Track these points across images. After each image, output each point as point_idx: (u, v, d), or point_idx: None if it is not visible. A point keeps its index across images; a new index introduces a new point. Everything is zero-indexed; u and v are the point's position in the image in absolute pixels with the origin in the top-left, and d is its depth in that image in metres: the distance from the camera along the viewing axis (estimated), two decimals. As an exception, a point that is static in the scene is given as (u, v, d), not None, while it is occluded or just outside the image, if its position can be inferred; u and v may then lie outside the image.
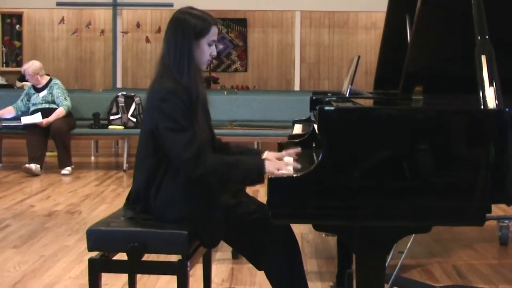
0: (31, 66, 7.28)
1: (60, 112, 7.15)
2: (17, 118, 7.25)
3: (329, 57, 13.40)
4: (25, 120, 7.08)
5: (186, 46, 2.41)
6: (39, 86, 7.32)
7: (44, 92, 7.29)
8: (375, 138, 2.07)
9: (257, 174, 2.31)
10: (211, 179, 2.38)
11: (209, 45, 2.46)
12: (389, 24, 3.67)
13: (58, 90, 7.29)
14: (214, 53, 2.49)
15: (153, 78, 2.48)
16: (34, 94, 7.30)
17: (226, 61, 13.47)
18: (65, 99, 7.26)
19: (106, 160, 8.81)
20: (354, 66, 3.63)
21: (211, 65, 11.59)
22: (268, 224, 2.27)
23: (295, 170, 2.26)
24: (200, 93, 2.45)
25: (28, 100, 7.33)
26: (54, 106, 7.22)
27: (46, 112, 7.13)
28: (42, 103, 7.22)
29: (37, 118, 7.05)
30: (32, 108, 7.24)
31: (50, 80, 7.41)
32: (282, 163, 2.37)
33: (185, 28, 2.41)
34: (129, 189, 2.59)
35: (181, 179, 2.39)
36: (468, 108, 2.17)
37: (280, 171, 2.26)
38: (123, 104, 7.69)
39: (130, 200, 2.53)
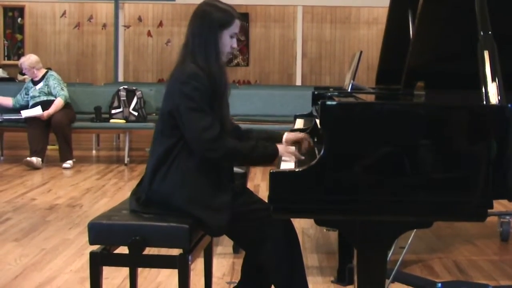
0: (27, 59, 7.31)
1: (58, 102, 7.16)
2: (17, 111, 7.26)
3: (331, 52, 13.37)
4: (26, 113, 7.09)
5: (213, 36, 2.48)
6: (36, 79, 7.35)
7: (41, 84, 7.30)
8: (377, 133, 2.07)
9: (270, 160, 2.51)
10: (227, 163, 2.52)
11: (231, 37, 2.53)
12: (391, 19, 3.66)
13: (54, 81, 7.30)
14: (235, 45, 2.57)
15: (174, 65, 2.54)
16: (32, 87, 7.33)
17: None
18: (62, 89, 7.27)
19: (108, 154, 8.82)
20: (356, 61, 3.63)
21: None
22: (269, 218, 2.27)
23: (298, 162, 2.30)
24: (227, 81, 2.55)
25: (27, 94, 7.34)
26: (51, 98, 7.22)
27: (45, 105, 7.13)
28: (39, 96, 7.23)
29: (37, 111, 7.05)
30: (31, 102, 7.24)
31: (46, 72, 7.43)
32: (290, 147, 2.57)
33: (211, 19, 2.49)
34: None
35: (192, 162, 2.42)
36: (470, 103, 2.17)
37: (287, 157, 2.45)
38: (124, 98, 7.68)
39: (140, 188, 2.54)
